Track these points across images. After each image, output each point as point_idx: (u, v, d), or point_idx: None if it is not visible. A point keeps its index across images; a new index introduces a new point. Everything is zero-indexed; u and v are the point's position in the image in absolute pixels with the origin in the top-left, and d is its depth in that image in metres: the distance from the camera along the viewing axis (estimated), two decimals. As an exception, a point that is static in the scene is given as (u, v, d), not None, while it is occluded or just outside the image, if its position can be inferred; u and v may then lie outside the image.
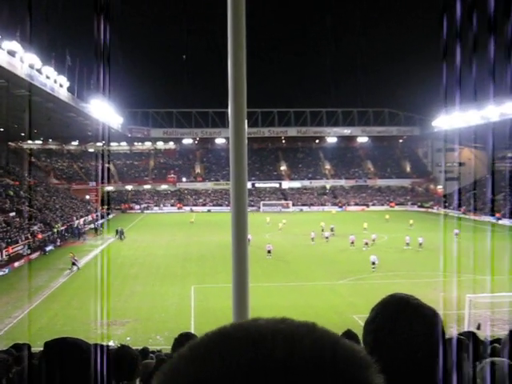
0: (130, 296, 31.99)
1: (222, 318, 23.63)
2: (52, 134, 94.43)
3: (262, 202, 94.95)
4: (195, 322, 26.34)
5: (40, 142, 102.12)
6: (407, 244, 48.28)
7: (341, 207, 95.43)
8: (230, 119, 2.34)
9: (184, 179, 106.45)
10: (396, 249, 48.04)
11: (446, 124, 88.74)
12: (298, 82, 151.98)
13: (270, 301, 28.98)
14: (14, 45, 44.80)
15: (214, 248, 47.89)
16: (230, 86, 2.31)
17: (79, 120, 74.69)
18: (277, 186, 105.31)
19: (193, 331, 21.52)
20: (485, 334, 18.31)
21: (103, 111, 74.06)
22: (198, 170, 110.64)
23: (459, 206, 79.76)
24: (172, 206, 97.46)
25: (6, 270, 39.60)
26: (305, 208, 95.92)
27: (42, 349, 2.27)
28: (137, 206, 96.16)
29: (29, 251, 45.92)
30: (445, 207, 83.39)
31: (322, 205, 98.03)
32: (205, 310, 28.37)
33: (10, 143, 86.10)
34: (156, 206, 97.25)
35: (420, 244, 47.77)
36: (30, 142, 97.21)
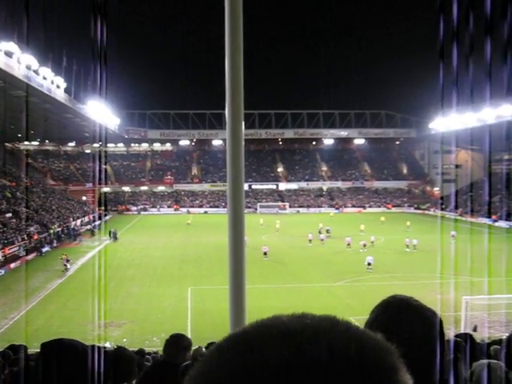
0: (127, 297, 31.95)
1: (219, 319, 23.63)
2: (49, 135, 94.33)
3: (258, 204, 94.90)
4: (192, 323, 26.31)
5: (37, 143, 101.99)
6: (407, 246, 48.26)
7: (337, 209, 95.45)
8: (227, 121, 2.34)
9: (181, 181, 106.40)
10: (393, 250, 48.10)
11: (443, 126, 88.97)
12: (295, 84, 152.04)
13: (267, 302, 28.91)
14: (11, 46, 44.76)
15: (211, 249, 47.85)
16: (227, 88, 2.31)
17: (76, 121, 74.63)
18: (274, 187, 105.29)
19: (189, 333, 21.51)
20: (481, 335, 18.33)
21: (100, 112, 74.00)
22: (194, 171, 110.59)
23: (456, 207, 79.86)
24: (169, 207, 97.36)
25: (3, 271, 39.51)
26: (302, 210, 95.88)
27: (38, 350, 2.26)
28: (133, 208, 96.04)
29: (24, 252, 45.81)
30: (441, 209, 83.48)
31: (319, 206, 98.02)
32: (201, 311, 28.35)
33: (6, 144, 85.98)
34: (153, 207, 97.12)
35: (414, 246, 47.90)
36: (26, 142, 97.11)
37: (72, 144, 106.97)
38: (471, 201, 77.86)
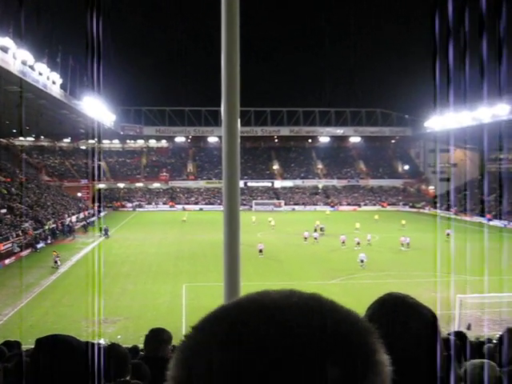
0: (122, 294, 31.93)
1: (214, 316, 23.61)
2: (44, 131, 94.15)
3: (254, 201, 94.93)
4: (186, 320, 26.29)
5: (32, 138, 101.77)
6: (402, 245, 48.31)
7: (333, 207, 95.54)
8: (222, 118, 2.34)
9: (176, 177, 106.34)
10: (388, 249, 48.18)
11: (439, 125, 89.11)
12: (291, 82, 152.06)
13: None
14: (6, 41, 44.66)
15: (206, 246, 47.86)
16: (223, 85, 2.31)
17: (71, 117, 74.55)
18: (269, 185, 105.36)
19: (184, 329, 21.51)
20: (475, 334, 18.39)
21: (96, 108, 73.90)
22: (190, 168, 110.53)
23: (451, 206, 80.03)
24: (164, 204, 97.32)
25: (-3, 267, 39.45)
26: (298, 207, 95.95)
27: (32, 346, 2.26)
28: (129, 204, 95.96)
29: (19, 249, 45.71)
30: (436, 208, 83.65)
31: (314, 204, 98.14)
32: (196, 308, 28.32)
33: (1, 140, 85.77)
34: (148, 204, 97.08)
35: (407, 244, 48.05)
36: (21, 138, 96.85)
37: (67, 140, 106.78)
38: (466, 200, 78.02)
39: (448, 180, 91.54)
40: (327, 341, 0.65)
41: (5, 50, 44.42)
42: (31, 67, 51.09)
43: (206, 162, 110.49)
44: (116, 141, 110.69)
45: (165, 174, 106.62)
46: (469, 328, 21.21)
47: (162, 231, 61.46)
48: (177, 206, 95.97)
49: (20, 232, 50.14)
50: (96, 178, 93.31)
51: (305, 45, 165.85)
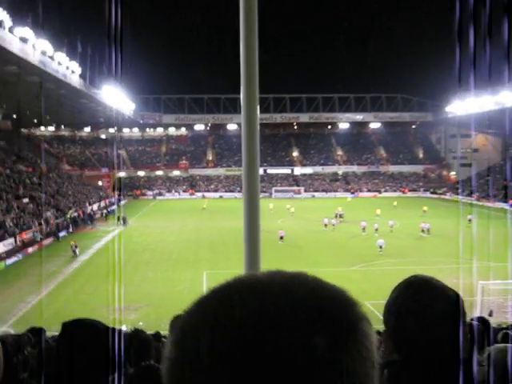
0: (142, 281, 32.19)
1: (234, 303, 23.74)
2: (64, 121, 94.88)
3: (273, 188, 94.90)
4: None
5: (52, 128, 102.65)
6: (422, 231, 48.00)
7: (353, 193, 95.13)
8: (242, 105, 2.34)
9: (196, 165, 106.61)
10: (408, 235, 47.90)
11: (460, 110, 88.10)
12: (311, 68, 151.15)
13: (282, 287, 29.03)
14: (26, 31, 44.86)
15: (226, 234, 48.00)
16: (242, 72, 2.30)
17: (91, 106, 74.90)
18: (289, 172, 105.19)
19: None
20: (497, 320, 18.26)
21: (115, 97, 74.13)
22: (209, 156, 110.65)
23: (472, 192, 79.26)
24: (184, 192, 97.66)
25: (20, 256, 39.97)
26: (317, 194, 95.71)
27: (55, 334, 2.29)
28: (149, 192, 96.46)
29: (40, 237, 46.21)
30: (458, 194, 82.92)
31: (334, 191, 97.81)
32: (217, 295, 28.47)
33: (22, 130, 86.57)
34: (168, 192, 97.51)
35: (428, 230, 47.72)
36: (42, 128, 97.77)
37: (87, 129, 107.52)
38: (488, 185, 77.22)
39: (469, 165, 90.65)
40: (311, 312, 0.67)
41: (24, 40, 44.66)
42: (51, 57, 51.32)
43: (226, 149, 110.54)
44: (136, 129, 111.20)
45: (184, 161, 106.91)
46: (490, 315, 21.05)
47: (181, 219, 61.72)
48: (196, 193, 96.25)
49: (42, 221, 50.69)
50: (116, 166, 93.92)
51: (324, 30, 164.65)
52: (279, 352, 0.64)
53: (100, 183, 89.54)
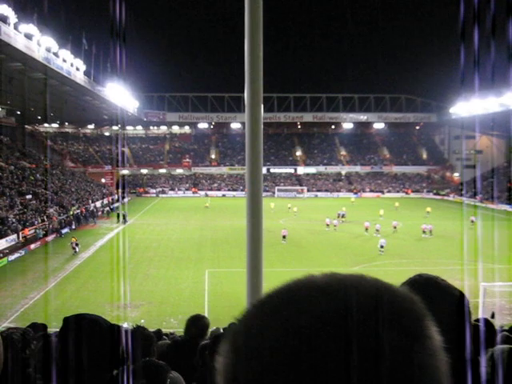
0: (145, 279, 32.22)
1: (236, 302, 23.78)
2: (68, 118, 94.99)
3: (276, 188, 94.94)
4: (209, 305, 26.49)
5: (56, 125, 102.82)
6: (424, 232, 47.83)
7: (356, 193, 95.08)
8: (246, 104, 2.34)
9: (199, 164, 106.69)
10: (411, 236, 47.83)
11: (464, 111, 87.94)
12: (315, 67, 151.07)
13: (284, 286, 29.02)
14: (31, 28, 44.94)
15: (229, 232, 48.04)
16: (247, 71, 2.31)
17: (95, 103, 75.03)
18: (292, 171, 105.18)
19: (206, 315, 21.66)
20: (499, 322, 18.24)
21: (119, 95, 74.25)
22: (213, 154, 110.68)
23: (476, 194, 79.15)
24: (187, 190, 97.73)
25: (23, 252, 40.03)
26: (320, 194, 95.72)
27: (57, 329, 2.29)
28: (152, 190, 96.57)
29: (42, 234, 46.31)
30: (461, 195, 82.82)
31: (337, 191, 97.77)
32: (218, 294, 28.52)
33: (26, 126, 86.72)
34: (171, 190, 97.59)
35: (430, 231, 47.61)
36: (46, 125, 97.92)
37: (91, 126, 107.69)
38: (492, 187, 77.09)
39: (473, 167, 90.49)
40: (382, 308, 0.67)
41: (29, 37, 44.75)
42: (55, 54, 51.40)
43: (229, 148, 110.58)
44: (139, 127, 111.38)
45: (188, 160, 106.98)
46: (492, 316, 21.03)
47: (184, 217, 61.76)
48: (199, 192, 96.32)
49: (45, 217, 50.80)
50: (119, 164, 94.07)
51: (328, 30, 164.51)
52: (361, 347, 0.63)
53: (103, 180, 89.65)
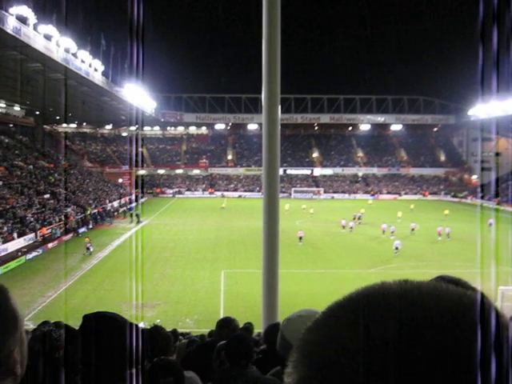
0: (161, 279, 32.36)
1: (252, 302, 23.80)
2: (86, 118, 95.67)
3: (293, 189, 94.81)
4: (224, 306, 26.54)
5: (74, 125, 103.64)
6: (439, 235, 47.43)
7: (373, 195, 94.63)
8: (263, 105, 2.35)
9: (216, 164, 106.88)
10: (428, 238, 47.53)
11: (483, 113, 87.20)
12: (332, 69, 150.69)
13: (300, 288, 29.04)
14: (50, 29, 45.31)
15: (245, 233, 48.09)
16: (264, 72, 2.31)
17: (113, 104, 75.48)
18: (308, 172, 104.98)
19: (222, 315, 21.69)
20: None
21: (137, 95, 74.61)
22: (229, 155, 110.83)
23: (494, 196, 78.42)
24: (203, 190, 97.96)
25: (40, 251, 40.40)
26: (337, 195, 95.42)
27: (75, 328, 2.31)
28: (169, 191, 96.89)
29: (58, 234, 46.66)
30: (479, 197, 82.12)
31: (354, 193, 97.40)
32: (234, 294, 28.56)
33: (45, 126, 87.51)
34: (188, 190, 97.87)
35: (448, 234, 47.23)
36: (64, 125, 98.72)
37: (109, 127, 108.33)
38: (510, 190, 76.36)
39: (491, 169, 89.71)
40: (463, 314, 0.64)
41: (48, 37, 45.12)
42: (74, 55, 51.79)
43: (246, 149, 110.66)
44: (156, 127, 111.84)
45: (204, 160, 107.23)
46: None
47: (201, 218, 61.91)
48: (216, 192, 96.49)
49: (63, 217, 51.21)
50: (137, 164, 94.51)
51: (346, 31, 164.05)
52: (448, 352, 0.60)
53: (120, 180, 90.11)
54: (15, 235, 41.49)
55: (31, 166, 62.41)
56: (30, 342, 1.86)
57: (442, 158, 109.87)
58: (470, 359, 0.60)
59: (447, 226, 48.65)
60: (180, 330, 15.87)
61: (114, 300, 26.89)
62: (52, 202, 54.67)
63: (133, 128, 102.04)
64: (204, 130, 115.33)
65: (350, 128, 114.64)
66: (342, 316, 0.66)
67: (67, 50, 49.58)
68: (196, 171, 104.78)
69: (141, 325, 18.89)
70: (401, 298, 0.66)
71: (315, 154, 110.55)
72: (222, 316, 20.78)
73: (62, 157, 79.74)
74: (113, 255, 39.77)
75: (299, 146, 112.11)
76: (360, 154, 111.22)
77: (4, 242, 39.28)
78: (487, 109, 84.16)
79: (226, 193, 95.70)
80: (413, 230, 49.60)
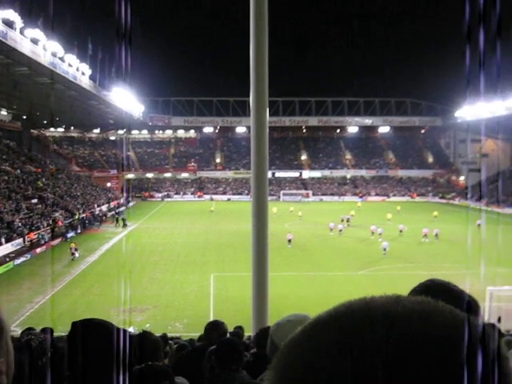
0: (150, 283, 32.23)
1: (241, 306, 23.75)
2: (74, 122, 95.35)
3: (282, 192, 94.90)
4: (214, 309, 26.49)
5: (62, 129, 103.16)
6: (425, 236, 47.52)
7: (361, 197, 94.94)
8: (251, 108, 2.35)
9: (204, 168, 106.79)
10: (416, 240, 47.71)
11: (470, 114, 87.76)
12: (320, 71, 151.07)
13: (289, 290, 29.05)
14: (37, 33, 45.08)
15: (234, 237, 48.03)
16: (252, 75, 2.31)
17: (101, 108, 75.20)
18: (297, 175, 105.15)
19: (212, 319, 21.64)
20: (505, 327, 18.16)
21: (124, 99, 74.43)
22: (218, 158, 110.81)
23: (481, 197, 78.92)
24: (192, 194, 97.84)
25: (29, 256, 40.12)
26: (325, 198, 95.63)
27: (62, 334, 2.30)
28: (157, 194, 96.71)
29: (46, 238, 46.35)
30: (467, 199, 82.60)
31: (342, 195, 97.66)
32: (224, 298, 28.51)
33: (32, 131, 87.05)
34: (176, 194, 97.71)
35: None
36: (52, 129, 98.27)
37: (96, 131, 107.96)
38: (497, 191, 76.88)
39: (479, 171, 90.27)
40: (453, 342, 0.61)
41: (35, 41, 44.90)
42: (61, 59, 51.54)
43: (234, 152, 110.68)
44: (145, 131, 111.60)
45: (193, 164, 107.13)
46: (499, 321, 20.94)
47: (190, 221, 61.80)
48: (205, 196, 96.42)
49: (51, 221, 50.92)
50: (125, 168, 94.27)
51: (333, 34, 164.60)
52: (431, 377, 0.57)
53: (109, 184, 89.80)
54: (3, 240, 41.18)
55: (18, 171, 62.05)
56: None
57: (430, 159, 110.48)
58: None
59: (436, 227, 48.87)
60: (170, 335, 15.80)
61: (104, 305, 26.75)
62: (40, 206, 54.35)
63: (121, 132, 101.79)
64: (192, 133, 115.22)
65: (338, 130, 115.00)
66: (320, 338, 0.63)
67: (54, 54, 49.34)
68: (184, 175, 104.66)
69: (130, 329, 18.82)
70: (388, 325, 0.61)
71: (303, 157, 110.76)
72: (211, 320, 20.75)
73: (50, 161, 79.35)
74: (102, 260, 39.58)
75: (287, 149, 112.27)
76: (348, 156, 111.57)
77: (-9, 248, 39.01)
78: (474, 110, 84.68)
79: (214, 196, 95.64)
80: (401, 231, 49.75)
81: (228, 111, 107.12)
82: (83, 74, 59.72)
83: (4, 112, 75.80)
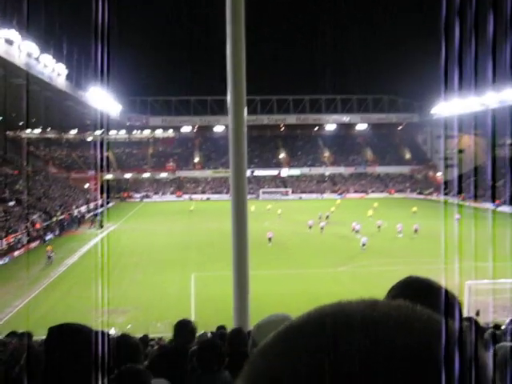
0: (130, 284, 32.06)
1: (223, 305, 23.69)
2: (50, 123, 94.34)
3: (261, 190, 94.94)
4: (196, 309, 26.43)
5: (39, 130, 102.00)
6: (399, 232, 48.03)
7: (340, 194, 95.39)
8: (229, 107, 2.34)
9: (183, 167, 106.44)
10: (395, 235, 48.07)
11: (446, 111, 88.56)
12: (297, 69, 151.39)
13: (270, 288, 29.07)
14: (12, 33, 44.57)
15: (214, 236, 47.93)
16: (229, 74, 2.30)
17: (78, 109, 74.64)
18: (276, 173, 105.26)
19: (193, 319, 21.58)
20: (484, 320, 18.37)
21: (102, 99, 73.91)
22: (197, 158, 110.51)
23: (459, 192, 79.67)
24: (171, 194, 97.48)
25: (6, 259, 39.66)
26: (305, 195, 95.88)
27: (43, 337, 2.26)
28: (136, 195, 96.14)
29: (24, 241, 45.85)
30: (444, 194, 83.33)
31: (321, 192, 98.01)
32: (205, 297, 28.45)
33: (8, 132, 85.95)
34: (155, 194, 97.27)
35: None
36: (28, 131, 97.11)
37: (74, 132, 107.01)
38: (474, 186, 77.68)
39: (455, 166, 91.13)
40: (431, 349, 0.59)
41: (10, 42, 44.37)
42: (36, 59, 51.05)
43: (213, 151, 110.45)
44: (122, 131, 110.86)
45: (171, 163, 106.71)
46: (477, 314, 21.17)
47: (169, 221, 61.56)
48: (184, 195, 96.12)
49: (28, 224, 50.36)
50: (103, 169, 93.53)
51: (310, 31, 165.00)
52: None
53: (87, 186, 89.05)
54: (-21, 244, 40.69)
55: (-6, 173, 61.27)
56: None
57: (407, 155, 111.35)
58: None
59: (415, 223, 49.27)
60: (151, 336, 15.74)
61: (84, 307, 26.49)
62: (17, 209, 53.73)
63: (98, 132, 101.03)
64: (170, 132, 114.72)
65: (316, 128, 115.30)
66: (293, 345, 0.61)
67: (29, 55, 48.85)
68: (163, 174, 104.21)
69: (111, 331, 18.69)
70: (364, 331, 0.60)
71: (282, 155, 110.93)
72: (193, 320, 20.68)
73: (27, 163, 78.44)
74: (81, 262, 39.25)
75: (266, 147, 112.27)
76: (327, 153, 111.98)
77: (-32, 252, 38.49)
78: (449, 107, 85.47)
79: (193, 195, 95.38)
80: (379, 227, 50.11)
81: (206, 110, 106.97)
82: (59, 74, 59.23)
83: (-22, 114, 74.81)
